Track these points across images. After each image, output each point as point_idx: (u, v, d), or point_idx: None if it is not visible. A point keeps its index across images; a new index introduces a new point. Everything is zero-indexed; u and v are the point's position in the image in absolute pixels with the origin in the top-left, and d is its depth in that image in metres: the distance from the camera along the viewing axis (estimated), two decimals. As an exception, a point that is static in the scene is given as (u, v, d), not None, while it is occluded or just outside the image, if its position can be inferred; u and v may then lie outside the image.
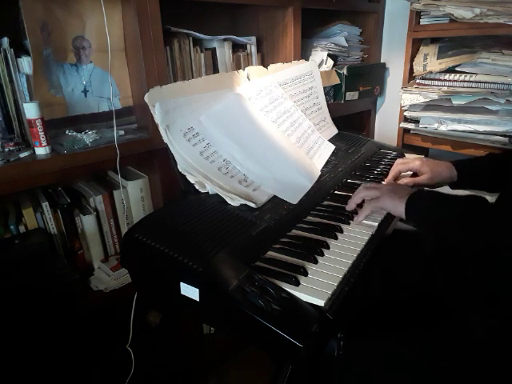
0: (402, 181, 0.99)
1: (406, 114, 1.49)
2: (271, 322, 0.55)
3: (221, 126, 0.91)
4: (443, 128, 1.38)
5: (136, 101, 1.02)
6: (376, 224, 0.81)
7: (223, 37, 1.20)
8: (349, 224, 0.81)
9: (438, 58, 1.37)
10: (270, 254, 0.71)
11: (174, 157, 0.82)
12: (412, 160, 1.01)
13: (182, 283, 0.63)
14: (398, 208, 0.78)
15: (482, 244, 0.69)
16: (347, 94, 1.47)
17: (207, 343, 1.33)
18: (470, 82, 1.30)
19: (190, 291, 0.62)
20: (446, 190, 1.03)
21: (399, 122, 1.54)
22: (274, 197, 0.87)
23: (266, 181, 0.89)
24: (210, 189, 0.83)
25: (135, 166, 1.12)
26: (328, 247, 0.73)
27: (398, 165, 1.02)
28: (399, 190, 0.81)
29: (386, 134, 1.73)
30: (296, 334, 0.53)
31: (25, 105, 0.82)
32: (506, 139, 1.27)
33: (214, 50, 1.20)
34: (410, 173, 1.04)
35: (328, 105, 1.34)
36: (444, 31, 1.35)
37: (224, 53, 1.22)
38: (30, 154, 0.84)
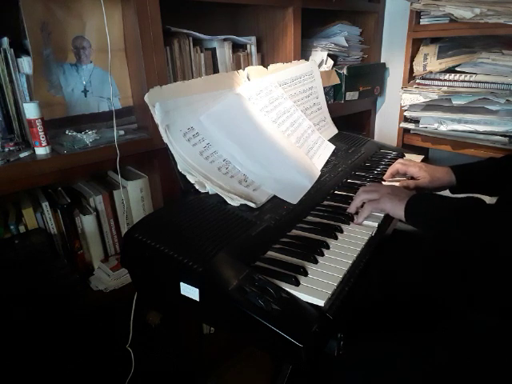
0: (403, 183, 0.98)
1: (406, 114, 1.49)
2: (271, 322, 0.55)
3: (221, 126, 0.91)
4: (443, 128, 1.38)
5: (136, 101, 1.02)
6: (376, 224, 0.81)
7: (223, 37, 1.20)
8: (349, 224, 0.81)
9: (438, 58, 1.37)
10: (270, 253, 0.71)
11: (173, 157, 0.82)
12: (412, 164, 1.01)
13: (181, 283, 0.63)
14: (398, 210, 0.78)
15: (481, 244, 0.69)
16: (347, 94, 1.47)
17: (207, 343, 1.33)
18: (470, 82, 1.30)
19: (190, 291, 0.62)
20: (446, 194, 1.03)
21: (399, 122, 1.54)
22: (274, 197, 0.87)
23: (265, 181, 0.89)
24: (210, 189, 0.83)
25: (135, 165, 1.12)
26: (328, 247, 0.73)
27: (398, 163, 1.03)
28: (399, 192, 0.82)
29: (386, 134, 1.73)
30: (296, 334, 0.53)
31: (25, 105, 0.82)
32: (506, 139, 1.27)
33: (214, 50, 1.19)
34: (410, 176, 1.03)
35: (328, 105, 1.34)
36: (444, 31, 1.35)
37: (224, 53, 1.22)
38: (30, 154, 0.84)
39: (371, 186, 0.88)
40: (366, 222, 0.82)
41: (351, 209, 0.85)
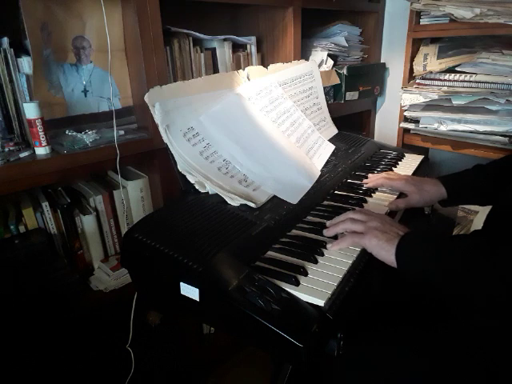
0: (393, 203, 0.91)
1: (406, 113, 1.49)
2: (271, 322, 0.55)
3: (221, 125, 0.91)
4: (443, 128, 1.38)
5: (136, 101, 1.02)
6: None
7: (223, 37, 1.20)
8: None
9: (438, 58, 1.37)
10: (270, 253, 0.71)
11: (173, 157, 0.82)
12: (397, 177, 0.96)
13: (181, 283, 0.63)
14: (384, 253, 0.68)
15: (488, 298, 0.63)
16: (347, 93, 1.47)
17: (207, 343, 1.33)
18: (470, 82, 1.30)
19: (190, 291, 0.62)
20: (435, 206, 1.01)
21: (399, 122, 1.54)
22: (274, 197, 0.87)
23: (265, 181, 0.89)
24: (210, 189, 0.83)
25: (135, 166, 1.12)
26: (328, 247, 0.73)
27: (382, 178, 0.97)
28: (388, 227, 0.71)
29: (386, 134, 1.73)
30: (296, 334, 0.53)
31: (25, 105, 0.82)
32: (506, 139, 1.27)
33: (213, 50, 1.20)
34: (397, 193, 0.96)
35: (328, 105, 1.34)
36: (444, 31, 1.35)
37: (224, 53, 1.22)
38: (30, 153, 0.84)
39: (359, 214, 0.76)
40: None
41: (329, 232, 0.76)
